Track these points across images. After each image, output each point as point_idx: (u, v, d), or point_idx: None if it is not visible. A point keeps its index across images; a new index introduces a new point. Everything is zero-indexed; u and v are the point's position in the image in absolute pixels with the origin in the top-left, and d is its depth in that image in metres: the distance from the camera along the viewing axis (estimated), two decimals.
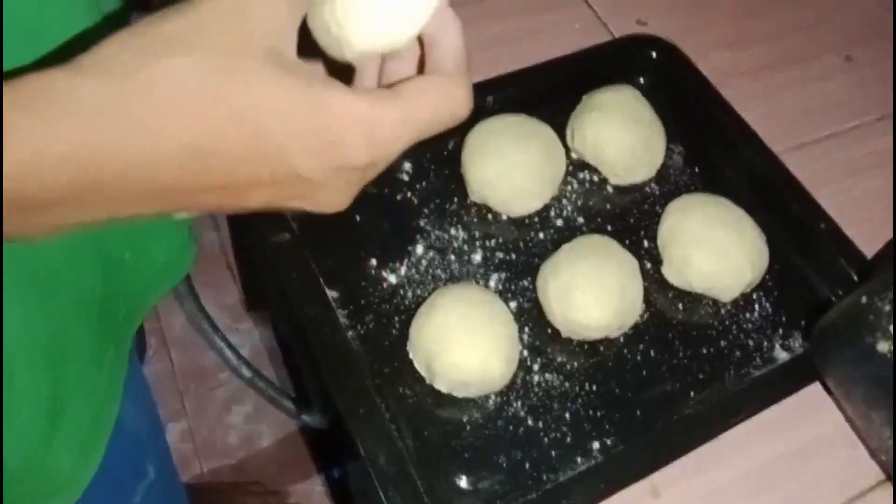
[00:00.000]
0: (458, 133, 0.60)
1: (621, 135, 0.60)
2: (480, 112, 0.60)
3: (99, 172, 0.26)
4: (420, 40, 0.32)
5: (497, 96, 0.62)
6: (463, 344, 0.49)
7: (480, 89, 0.62)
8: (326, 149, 0.28)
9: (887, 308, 0.42)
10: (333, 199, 0.30)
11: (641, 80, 0.67)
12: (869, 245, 0.61)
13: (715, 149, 0.64)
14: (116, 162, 0.26)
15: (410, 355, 0.52)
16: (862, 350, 0.44)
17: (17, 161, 0.25)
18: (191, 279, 0.60)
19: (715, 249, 0.55)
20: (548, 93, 0.64)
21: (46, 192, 0.26)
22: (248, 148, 0.27)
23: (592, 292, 0.52)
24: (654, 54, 0.67)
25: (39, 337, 0.41)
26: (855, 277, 0.56)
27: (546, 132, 0.60)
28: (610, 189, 0.62)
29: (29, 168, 0.25)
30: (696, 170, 0.64)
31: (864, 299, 0.44)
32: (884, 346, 0.43)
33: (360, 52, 0.31)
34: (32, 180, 0.25)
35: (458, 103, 0.30)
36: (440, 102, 0.30)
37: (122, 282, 0.48)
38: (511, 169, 0.57)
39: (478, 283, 0.56)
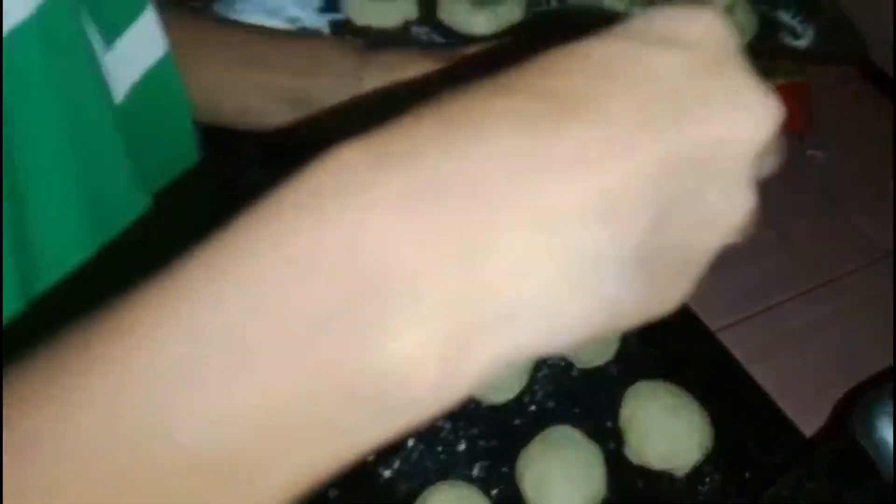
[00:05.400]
0: None
1: None
2: None
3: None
4: None
5: None
6: None
7: None
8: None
9: None
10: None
11: None
12: (812, 411, 0.69)
13: (663, 331, 0.73)
14: None
15: None
16: None
17: None
18: None
19: (667, 435, 0.64)
20: None
21: None
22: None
23: (562, 482, 0.60)
24: None
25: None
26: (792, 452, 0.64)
27: None
28: (575, 373, 0.71)
29: None
30: (651, 350, 0.72)
31: (783, 492, 0.52)
32: None
33: None
34: None
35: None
36: None
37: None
38: None
39: (463, 472, 0.64)
